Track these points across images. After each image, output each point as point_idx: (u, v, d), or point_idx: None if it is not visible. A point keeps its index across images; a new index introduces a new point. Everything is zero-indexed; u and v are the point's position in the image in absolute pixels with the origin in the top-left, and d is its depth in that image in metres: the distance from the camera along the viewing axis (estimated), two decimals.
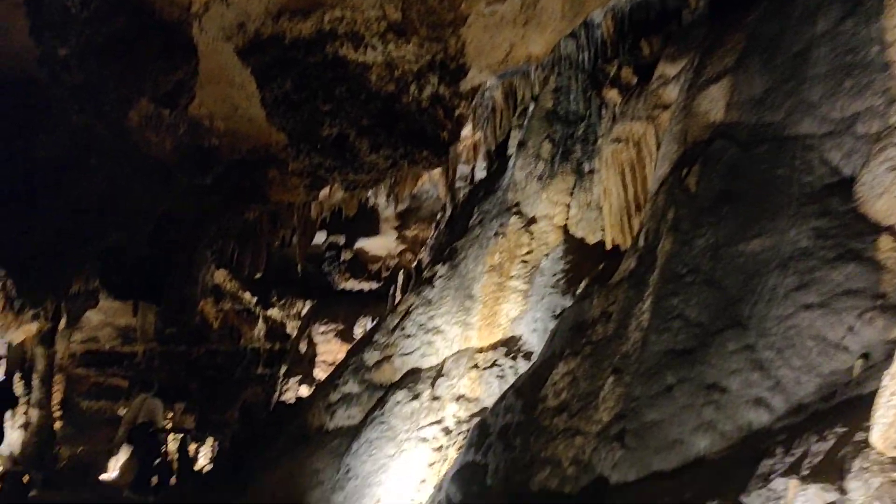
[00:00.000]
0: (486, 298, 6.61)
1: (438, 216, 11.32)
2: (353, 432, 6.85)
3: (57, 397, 14.88)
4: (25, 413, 12.29)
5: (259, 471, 8.07)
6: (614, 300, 4.64)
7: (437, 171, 11.10)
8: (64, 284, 10.71)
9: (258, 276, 11.92)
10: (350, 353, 8.33)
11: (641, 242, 4.71)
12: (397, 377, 6.91)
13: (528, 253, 6.61)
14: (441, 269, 7.18)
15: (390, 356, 7.06)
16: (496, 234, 6.90)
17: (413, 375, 6.71)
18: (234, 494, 8.28)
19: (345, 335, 14.96)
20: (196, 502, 8.61)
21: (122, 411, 19.20)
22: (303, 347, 15.28)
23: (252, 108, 6.86)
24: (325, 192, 9.54)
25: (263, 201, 8.08)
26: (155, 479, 9.51)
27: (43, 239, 8.40)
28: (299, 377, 14.81)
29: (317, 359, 14.98)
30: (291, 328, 17.61)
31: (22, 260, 9.76)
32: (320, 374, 14.72)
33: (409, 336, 6.95)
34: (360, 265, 15.41)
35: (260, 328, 18.42)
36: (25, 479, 10.84)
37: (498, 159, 8.24)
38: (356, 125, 5.69)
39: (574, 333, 4.73)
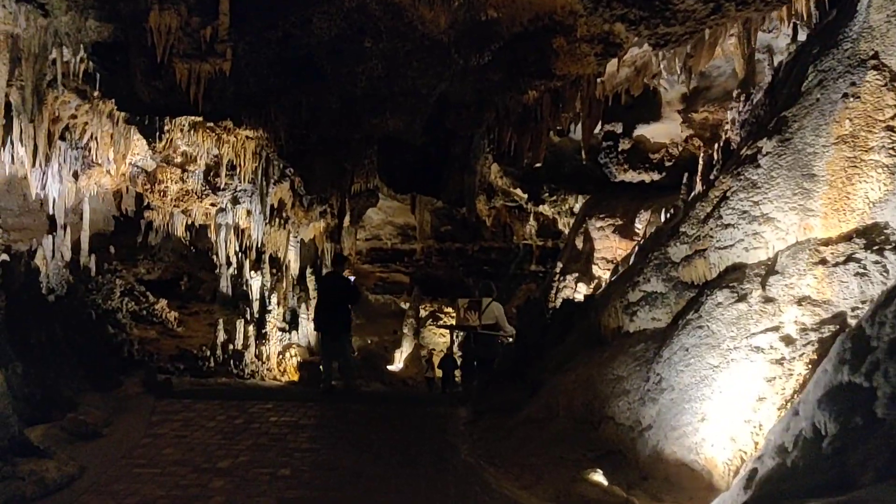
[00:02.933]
0: (833, 178, 5.26)
1: (735, 92, 9.78)
2: (661, 336, 5.95)
3: None
4: None
5: (550, 372, 7.52)
6: None
7: (732, 43, 9.61)
8: (347, 180, 10.79)
9: (537, 165, 11.16)
10: (648, 248, 7.38)
11: None
12: (713, 274, 5.84)
13: (893, 117, 5.13)
14: (766, 145, 5.88)
15: (703, 250, 5.99)
16: (845, 95, 5.44)
17: (735, 272, 5.60)
18: (519, 392, 7.86)
19: (624, 230, 13.95)
20: (485, 399, 8.32)
21: (404, 304, 20.09)
22: (579, 244, 14.50)
23: None
24: (611, 69, 8.47)
25: (548, 76, 7.20)
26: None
27: (322, 130, 8.30)
28: (576, 275, 14.13)
29: (594, 255, 14.16)
30: (563, 224, 17.04)
31: (307, 156, 9.88)
32: (598, 271, 13.93)
33: (727, 226, 5.80)
34: (640, 154, 14.10)
35: (531, 225, 18.05)
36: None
37: (834, 7, 6.62)
38: None
39: None
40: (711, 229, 5.96)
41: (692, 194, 8.49)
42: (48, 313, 8.31)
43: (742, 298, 5.30)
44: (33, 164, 10.03)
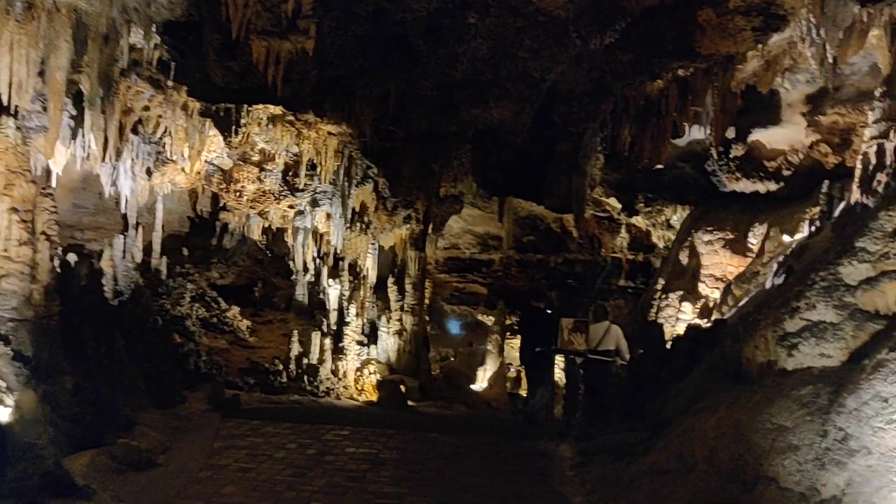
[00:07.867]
0: None
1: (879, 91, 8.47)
2: (835, 378, 4.74)
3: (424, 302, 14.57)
4: (399, 319, 11.86)
5: (676, 411, 6.36)
6: None
7: (876, 34, 8.36)
8: (434, 183, 9.83)
9: (659, 167, 9.97)
10: (809, 268, 6.16)
11: None
12: None
13: None
14: None
15: (893, 271, 4.77)
16: None
17: None
18: (636, 432, 6.74)
19: (735, 245, 12.66)
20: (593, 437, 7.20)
21: (481, 317, 19.08)
22: (683, 259, 13.23)
23: None
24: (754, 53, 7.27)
25: (690, 56, 6.05)
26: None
27: (412, 123, 7.36)
28: (680, 293, 12.86)
29: (701, 272, 12.88)
30: (657, 238, 15.90)
31: (393, 154, 8.96)
32: (706, 289, 12.67)
33: None
34: (755, 162, 12.74)
35: (622, 237, 16.94)
36: (402, 388, 10.35)
37: None
38: None
39: None
40: None
41: (841, 205, 7.23)
42: (109, 320, 7.55)
43: None
44: (103, 159, 9.33)
